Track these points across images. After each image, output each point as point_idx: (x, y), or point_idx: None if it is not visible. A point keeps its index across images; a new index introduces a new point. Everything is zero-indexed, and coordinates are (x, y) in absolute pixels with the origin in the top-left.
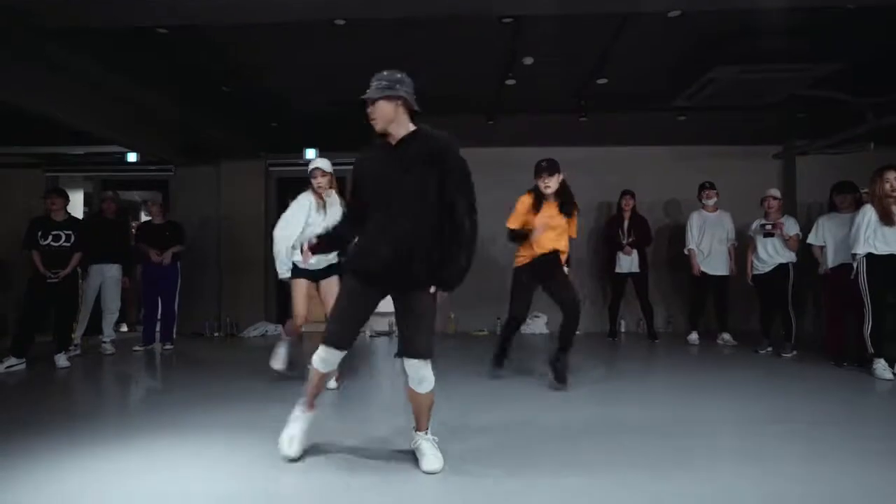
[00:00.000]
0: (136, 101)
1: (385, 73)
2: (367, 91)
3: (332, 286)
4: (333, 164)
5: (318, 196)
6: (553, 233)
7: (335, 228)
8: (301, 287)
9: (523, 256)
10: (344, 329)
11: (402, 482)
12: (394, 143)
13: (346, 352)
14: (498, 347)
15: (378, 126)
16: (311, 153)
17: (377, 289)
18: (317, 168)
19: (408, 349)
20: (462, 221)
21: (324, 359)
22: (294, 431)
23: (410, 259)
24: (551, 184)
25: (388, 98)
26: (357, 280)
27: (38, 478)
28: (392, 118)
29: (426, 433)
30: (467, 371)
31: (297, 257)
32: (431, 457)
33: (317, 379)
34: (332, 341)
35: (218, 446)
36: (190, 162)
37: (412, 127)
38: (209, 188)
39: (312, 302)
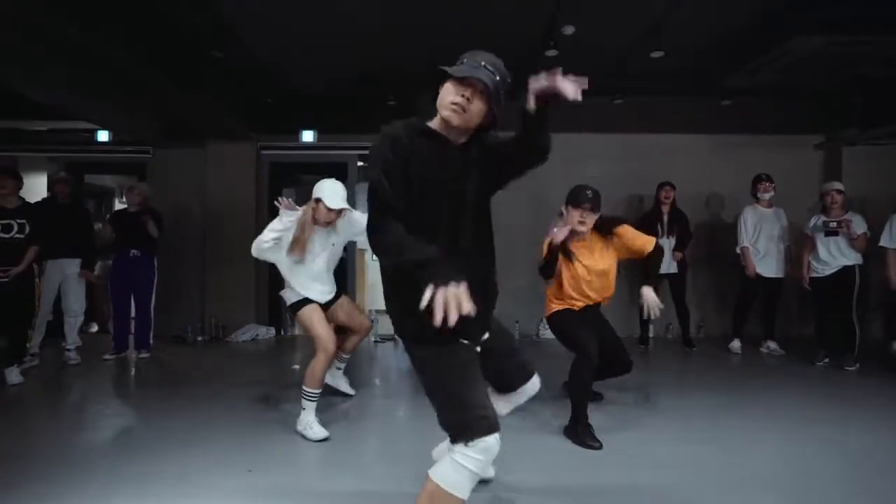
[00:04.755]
0: (110, 64)
1: (494, 59)
2: (479, 68)
3: (345, 304)
4: (333, 149)
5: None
6: (597, 280)
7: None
8: (316, 312)
9: (557, 304)
10: (485, 400)
11: None
12: (455, 141)
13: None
14: (579, 412)
15: (456, 120)
16: (308, 135)
17: (470, 342)
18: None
19: (529, 372)
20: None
21: (476, 471)
22: None
23: (491, 297)
24: (588, 221)
25: (489, 99)
26: (446, 344)
27: None
28: (477, 123)
29: None
30: None
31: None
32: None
33: None
34: (487, 425)
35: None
36: (171, 143)
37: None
38: (193, 173)
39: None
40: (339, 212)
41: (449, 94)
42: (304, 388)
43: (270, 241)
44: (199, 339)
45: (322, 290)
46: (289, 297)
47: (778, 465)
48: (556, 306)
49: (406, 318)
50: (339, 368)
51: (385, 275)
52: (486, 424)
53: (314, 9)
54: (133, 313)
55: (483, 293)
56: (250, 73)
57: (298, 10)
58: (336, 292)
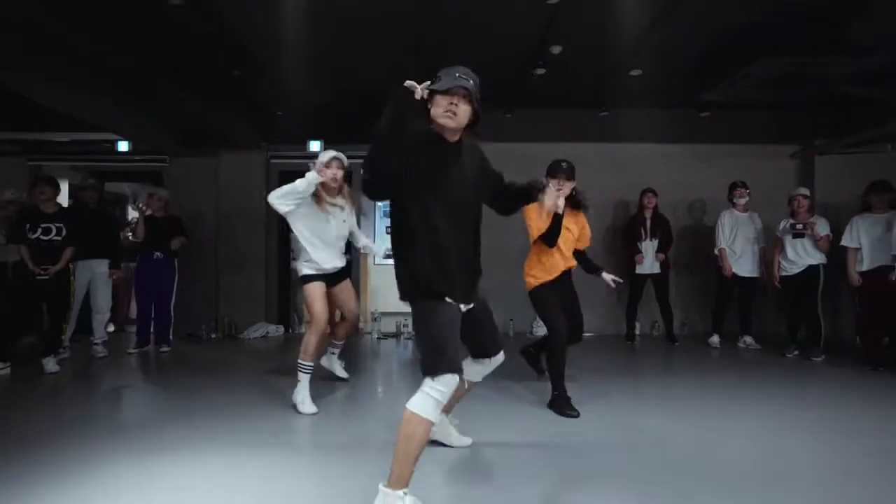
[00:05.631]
0: (133, 81)
1: (465, 69)
2: (457, 79)
3: (347, 288)
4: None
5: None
6: (564, 247)
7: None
8: (318, 289)
9: (536, 277)
10: (456, 351)
11: None
12: (450, 141)
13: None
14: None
15: (452, 123)
16: (315, 145)
17: (456, 304)
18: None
19: (499, 346)
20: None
21: (440, 399)
22: None
23: (476, 273)
24: (565, 189)
25: (472, 101)
26: (439, 299)
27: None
28: (464, 123)
29: None
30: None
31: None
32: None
33: (423, 438)
34: (452, 366)
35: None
36: (186, 152)
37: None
38: (206, 181)
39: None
40: (337, 163)
41: (440, 105)
42: (299, 360)
43: (295, 200)
44: (213, 336)
45: (333, 257)
46: (301, 268)
47: (749, 445)
48: (539, 278)
49: (408, 277)
50: (334, 353)
51: (393, 239)
52: (449, 366)
53: (319, 21)
54: (154, 311)
55: (469, 268)
56: (262, 87)
57: (303, 21)
58: (345, 270)
